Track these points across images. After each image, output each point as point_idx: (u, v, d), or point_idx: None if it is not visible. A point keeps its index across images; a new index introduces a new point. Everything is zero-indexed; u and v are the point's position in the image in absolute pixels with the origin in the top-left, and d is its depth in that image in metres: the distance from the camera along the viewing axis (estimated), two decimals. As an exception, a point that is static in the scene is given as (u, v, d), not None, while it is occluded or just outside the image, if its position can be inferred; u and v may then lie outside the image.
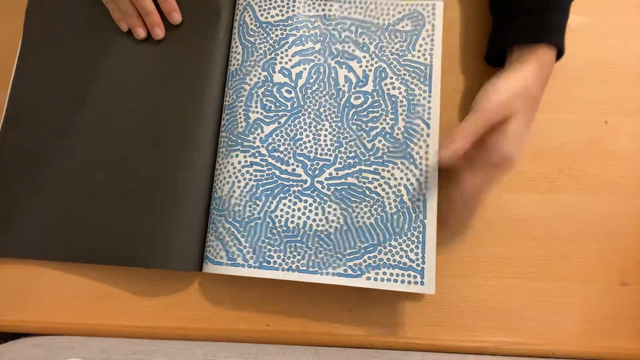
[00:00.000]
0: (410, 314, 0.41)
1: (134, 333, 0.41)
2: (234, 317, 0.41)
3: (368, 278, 0.38)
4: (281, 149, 0.41)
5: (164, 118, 0.43)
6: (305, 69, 0.43)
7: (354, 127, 0.41)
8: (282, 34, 0.43)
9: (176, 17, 0.45)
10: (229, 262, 0.39)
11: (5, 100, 0.45)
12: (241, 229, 0.40)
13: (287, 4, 0.44)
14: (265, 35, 0.44)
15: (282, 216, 0.40)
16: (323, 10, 0.44)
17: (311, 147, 0.41)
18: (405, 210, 0.39)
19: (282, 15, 0.44)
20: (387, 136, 0.41)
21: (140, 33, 0.45)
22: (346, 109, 0.42)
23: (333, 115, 0.41)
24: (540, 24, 0.39)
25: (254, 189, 0.40)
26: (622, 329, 0.40)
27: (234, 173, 0.41)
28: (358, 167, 0.40)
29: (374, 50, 0.42)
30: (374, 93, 0.42)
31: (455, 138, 0.36)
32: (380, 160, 0.40)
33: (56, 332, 0.41)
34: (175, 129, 0.42)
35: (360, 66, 0.42)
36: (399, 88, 0.41)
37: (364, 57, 0.43)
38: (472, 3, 0.46)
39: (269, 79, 0.42)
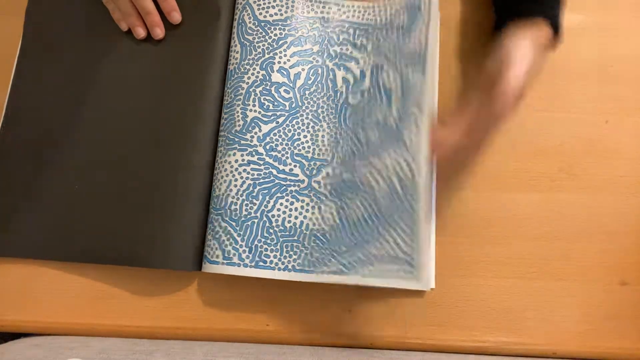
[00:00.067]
0: (410, 314, 0.40)
1: (134, 333, 0.41)
2: (234, 317, 0.41)
3: (363, 275, 0.37)
4: (279, 148, 0.41)
5: (164, 118, 0.43)
6: (303, 69, 0.43)
7: (350, 125, 0.41)
8: (280, 33, 0.43)
9: (176, 16, 0.45)
10: (225, 262, 0.39)
11: (5, 100, 0.45)
12: (237, 228, 0.39)
13: (286, 3, 0.44)
14: (263, 34, 0.44)
15: (279, 216, 0.40)
16: (322, 12, 0.44)
17: (309, 147, 0.41)
18: (397, 199, 0.37)
19: (281, 14, 0.44)
20: (381, 127, 0.40)
21: (140, 33, 0.45)
22: (344, 109, 0.41)
23: (331, 116, 0.41)
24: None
25: (251, 188, 0.40)
26: (622, 329, 0.40)
27: (231, 172, 0.41)
28: (353, 163, 0.40)
29: (371, 49, 0.42)
30: (370, 89, 0.41)
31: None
32: (374, 151, 0.39)
33: (56, 332, 0.41)
34: (175, 128, 0.42)
35: (358, 67, 0.42)
36: (394, 79, 0.40)
37: (362, 57, 0.42)
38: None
39: (267, 78, 0.42)
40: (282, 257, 0.39)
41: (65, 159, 0.43)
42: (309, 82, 0.42)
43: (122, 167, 0.42)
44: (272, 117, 0.42)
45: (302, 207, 0.40)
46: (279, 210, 0.40)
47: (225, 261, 0.39)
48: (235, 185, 0.40)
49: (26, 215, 0.42)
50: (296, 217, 0.40)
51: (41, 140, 0.44)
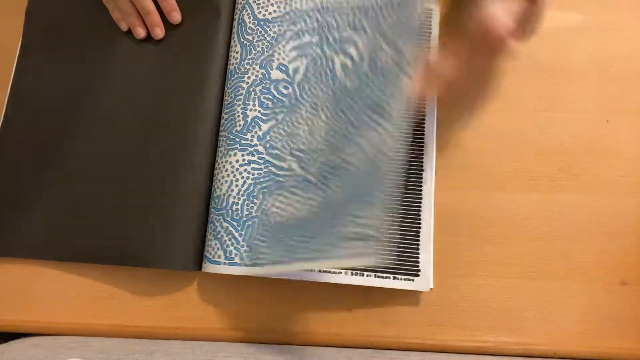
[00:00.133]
0: (410, 314, 0.40)
1: (134, 333, 0.41)
2: (234, 317, 0.41)
3: (336, 258, 0.35)
4: (278, 145, 0.41)
5: (164, 118, 0.43)
6: (302, 63, 0.42)
7: (347, 110, 0.40)
8: (279, 30, 0.43)
9: (176, 16, 0.45)
10: (227, 262, 0.39)
11: (5, 100, 0.45)
12: (239, 228, 0.39)
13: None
14: (262, 32, 0.43)
15: (276, 213, 0.39)
16: (320, 1, 0.43)
17: (306, 139, 0.40)
18: (375, 176, 0.35)
19: (280, 11, 0.44)
20: (374, 107, 0.38)
21: (140, 33, 0.45)
22: (341, 96, 0.41)
23: (328, 104, 0.40)
24: None
25: (252, 187, 0.40)
26: (622, 329, 0.40)
27: (232, 172, 0.41)
28: (343, 147, 0.38)
29: (371, 30, 0.41)
30: (369, 72, 0.40)
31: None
32: (359, 128, 0.38)
33: (56, 332, 0.41)
34: (175, 128, 0.42)
35: (357, 50, 0.41)
36: (391, 55, 0.39)
37: (361, 40, 0.41)
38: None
39: (267, 76, 0.42)
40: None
41: (65, 159, 0.43)
42: (308, 74, 0.42)
43: (122, 167, 0.42)
44: (272, 115, 0.41)
45: (297, 201, 0.39)
46: (277, 207, 0.39)
47: (227, 261, 0.39)
48: (237, 186, 0.40)
49: (26, 215, 0.42)
50: (292, 213, 0.39)
51: (41, 140, 0.44)
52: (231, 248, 0.39)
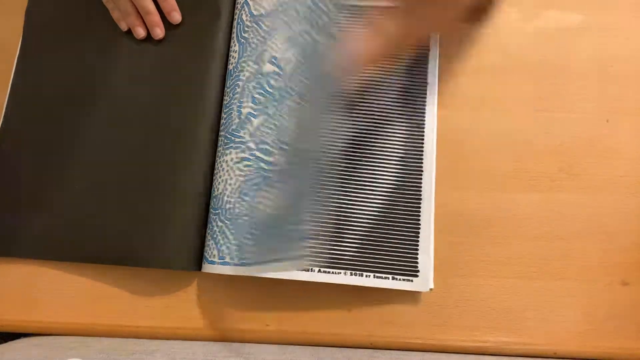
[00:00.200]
0: (410, 313, 0.40)
1: (134, 333, 0.41)
2: (234, 317, 0.41)
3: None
4: (268, 140, 0.40)
5: (164, 118, 0.43)
6: (293, 53, 0.42)
7: (328, 95, 0.40)
8: (272, 23, 0.43)
9: (176, 16, 0.45)
10: (219, 261, 0.39)
11: (5, 100, 0.45)
12: (231, 227, 0.39)
13: None
14: (257, 28, 0.43)
15: (262, 209, 0.39)
16: None
17: (292, 131, 0.40)
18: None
19: (274, 4, 0.43)
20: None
21: (140, 33, 0.45)
22: (326, 81, 0.40)
23: (316, 94, 0.40)
24: None
25: (243, 185, 0.40)
26: (623, 329, 0.40)
27: (227, 170, 0.41)
28: (318, 132, 0.39)
29: (361, 6, 0.41)
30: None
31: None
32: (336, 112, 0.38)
33: (56, 332, 0.41)
34: (175, 128, 0.42)
35: (345, 31, 0.41)
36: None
37: (352, 18, 0.41)
38: None
39: (259, 70, 0.42)
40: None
41: (65, 159, 0.43)
42: (299, 63, 0.41)
43: (122, 167, 0.42)
44: (263, 109, 0.41)
45: (277, 195, 0.39)
46: (262, 204, 0.39)
47: (219, 260, 0.39)
48: (230, 184, 0.40)
49: (26, 215, 0.42)
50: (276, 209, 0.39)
51: (41, 140, 0.44)
52: (224, 247, 0.39)
